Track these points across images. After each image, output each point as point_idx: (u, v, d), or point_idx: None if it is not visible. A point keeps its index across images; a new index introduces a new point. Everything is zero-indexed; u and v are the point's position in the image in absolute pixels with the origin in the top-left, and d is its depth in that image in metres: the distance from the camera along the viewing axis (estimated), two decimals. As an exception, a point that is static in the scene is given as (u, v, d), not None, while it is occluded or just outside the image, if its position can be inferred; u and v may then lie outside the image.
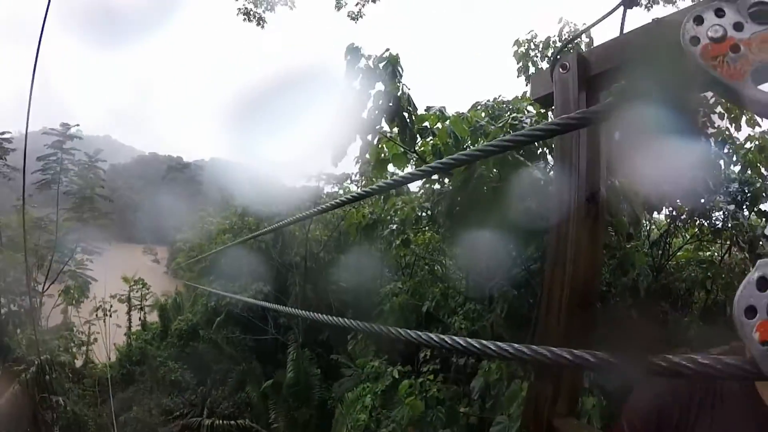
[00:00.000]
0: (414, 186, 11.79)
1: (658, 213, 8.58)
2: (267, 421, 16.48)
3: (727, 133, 7.75)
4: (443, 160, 1.66)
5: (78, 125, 18.06)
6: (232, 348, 19.57)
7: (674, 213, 8.41)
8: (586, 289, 2.71)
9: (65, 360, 16.44)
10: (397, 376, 10.93)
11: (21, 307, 16.78)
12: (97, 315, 22.15)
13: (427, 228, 12.06)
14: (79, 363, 18.99)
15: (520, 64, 9.92)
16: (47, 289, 17.56)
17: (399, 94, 8.13)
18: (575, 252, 2.73)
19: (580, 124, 1.28)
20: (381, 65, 7.94)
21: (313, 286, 18.65)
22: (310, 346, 17.95)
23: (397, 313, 12.32)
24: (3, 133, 17.19)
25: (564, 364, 1.05)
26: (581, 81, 2.72)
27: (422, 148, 9.02)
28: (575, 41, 8.19)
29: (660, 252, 8.84)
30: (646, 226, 8.92)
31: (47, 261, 17.28)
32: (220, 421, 16.30)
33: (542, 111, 8.41)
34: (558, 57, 2.87)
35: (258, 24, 12.29)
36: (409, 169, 9.76)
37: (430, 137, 8.64)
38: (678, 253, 9.07)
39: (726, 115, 7.75)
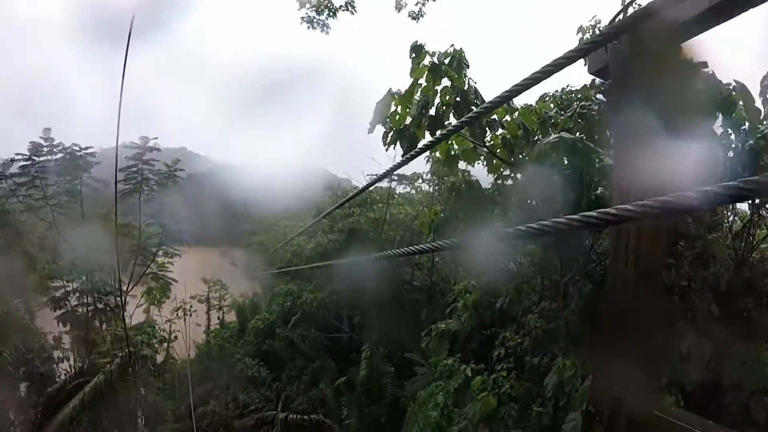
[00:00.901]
0: (486, 182, 11.64)
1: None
2: (339, 417, 16.72)
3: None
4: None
5: (156, 138, 19.28)
6: (307, 346, 20.01)
7: (757, 202, 7.76)
8: (651, 259, 2.63)
9: (148, 354, 17.35)
10: (470, 374, 10.82)
11: (107, 305, 18.02)
12: (177, 314, 23.37)
13: (501, 223, 11.87)
14: (160, 358, 19.92)
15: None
16: (131, 289, 18.70)
17: (466, 88, 8.11)
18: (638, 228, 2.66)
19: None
20: (446, 61, 7.95)
21: (387, 285, 18.79)
22: (383, 345, 18.07)
23: (470, 309, 12.21)
24: (87, 148, 18.57)
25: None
26: (634, 50, 2.65)
27: (492, 142, 8.93)
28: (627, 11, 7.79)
29: (743, 244, 8.17)
30: (728, 216, 8.30)
31: (131, 264, 18.47)
32: (294, 416, 16.67)
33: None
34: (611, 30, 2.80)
35: (322, 30, 12.52)
36: (480, 164, 9.71)
37: (500, 130, 8.54)
38: (762, 245, 8.34)
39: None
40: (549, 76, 2.92)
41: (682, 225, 6.79)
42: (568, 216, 1.43)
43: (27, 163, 18.04)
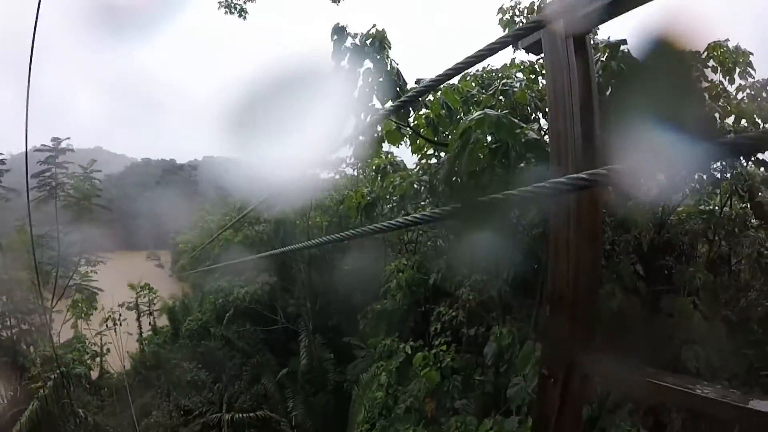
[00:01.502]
0: (411, 162, 11.77)
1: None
2: (285, 409, 16.61)
3: (720, 87, 7.71)
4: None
5: (69, 138, 18.06)
6: (243, 342, 19.69)
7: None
8: (592, 224, 2.77)
9: (81, 372, 16.49)
10: (410, 352, 11.04)
11: (31, 326, 16.85)
12: (107, 325, 22.10)
13: (427, 201, 12.08)
14: (95, 374, 19.12)
15: (507, 31, 9.83)
16: (56, 305, 17.57)
17: (388, 69, 8.11)
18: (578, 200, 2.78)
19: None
20: (368, 42, 7.90)
21: (318, 272, 18.71)
22: (320, 332, 18.05)
23: (404, 288, 12.38)
24: None
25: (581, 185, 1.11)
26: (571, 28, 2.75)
27: (416, 122, 9.01)
28: None
29: (661, 208, 8.81)
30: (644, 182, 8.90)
31: (52, 277, 17.27)
32: (240, 415, 16.41)
33: (532, 77, 8.41)
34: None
35: (240, 15, 12.11)
36: (404, 145, 9.76)
37: (423, 110, 8.63)
38: (678, 208, 9.03)
39: (719, 68, 7.72)
40: (483, 60, 2.98)
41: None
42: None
43: None
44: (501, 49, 2.84)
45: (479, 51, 2.83)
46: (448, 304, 10.79)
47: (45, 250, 16.85)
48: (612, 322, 6.11)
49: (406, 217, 1.98)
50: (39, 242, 16.12)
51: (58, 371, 13.73)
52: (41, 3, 4.61)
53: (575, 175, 1.34)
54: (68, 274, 18.41)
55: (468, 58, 2.97)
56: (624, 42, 6.51)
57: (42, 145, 17.20)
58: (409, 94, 5.06)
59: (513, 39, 2.05)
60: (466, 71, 9.23)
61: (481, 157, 6.57)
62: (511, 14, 9.64)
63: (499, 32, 9.83)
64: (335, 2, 11.85)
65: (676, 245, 8.48)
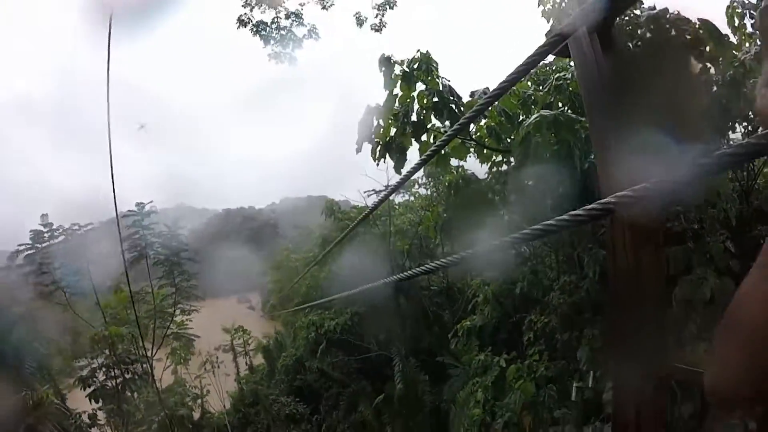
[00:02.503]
0: (482, 172, 11.69)
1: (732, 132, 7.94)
2: (384, 435, 16.68)
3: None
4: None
5: (152, 201, 19.41)
6: (338, 372, 19.95)
7: (750, 128, 7.68)
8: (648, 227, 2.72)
9: (184, 414, 17.35)
10: (504, 365, 10.81)
11: (134, 374, 18.04)
12: (205, 368, 23.07)
13: (503, 212, 11.96)
14: (196, 415, 19.97)
15: (551, 21, 9.52)
16: (155, 353, 18.73)
17: (440, 88, 8.26)
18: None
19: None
20: (415, 66, 8.10)
21: (404, 295, 18.79)
22: (413, 355, 18.03)
23: (491, 301, 12.23)
24: (87, 225, 18.81)
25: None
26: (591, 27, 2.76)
27: (478, 133, 9.04)
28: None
29: (744, 174, 8.03)
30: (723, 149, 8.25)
31: (150, 329, 18.49)
32: (339, 444, 16.65)
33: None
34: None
35: (290, 63, 12.67)
36: (472, 157, 9.79)
37: (482, 120, 8.65)
38: (765, 170, 8.23)
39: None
40: (523, 75, 3.03)
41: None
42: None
43: (31, 251, 18.24)
44: (533, 67, 2.90)
45: (518, 67, 2.91)
46: (539, 311, 10.53)
47: (141, 305, 18.10)
48: (706, 310, 5.74)
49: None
50: (135, 298, 17.41)
51: (162, 414, 14.55)
52: (110, 68, 5.06)
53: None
54: (165, 324, 19.60)
55: (511, 74, 3.05)
56: (666, 10, 6.24)
57: (128, 210, 18.56)
58: (461, 121, 5.12)
59: (540, 56, 2.11)
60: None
61: (548, 156, 6.50)
62: (551, 3, 9.32)
63: (542, 24, 9.52)
64: (377, 31, 12.15)
65: (767, 212, 7.71)
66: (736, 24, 7.37)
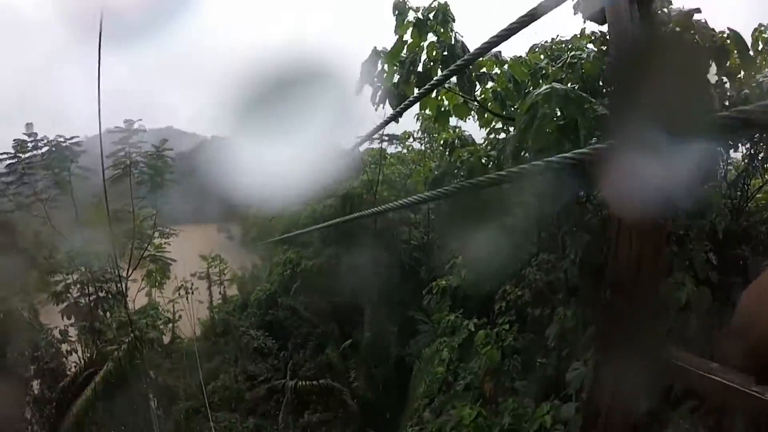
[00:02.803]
0: (479, 137, 11.52)
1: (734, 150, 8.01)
2: (347, 380, 17.01)
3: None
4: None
5: (141, 120, 18.80)
6: (310, 312, 20.19)
7: (752, 152, 7.74)
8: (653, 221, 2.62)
9: (154, 337, 17.40)
10: (473, 329, 10.93)
11: (108, 293, 17.96)
12: (179, 294, 23.12)
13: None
14: (166, 339, 20.16)
15: None
16: (131, 274, 18.63)
17: (452, 42, 7.92)
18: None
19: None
20: (431, 15, 7.74)
21: (384, 246, 18.83)
22: (385, 306, 18.25)
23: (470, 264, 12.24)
24: (72, 137, 18.20)
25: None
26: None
27: (482, 96, 8.78)
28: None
29: (738, 193, 8.18)
30: (722, 165, 8.23)
31: (128, 249, 18.29)
32: (303, 383, 16.97)
33: (603, 48, 7.92)
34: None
35: None
36: (471, 119, 9.55)
37: (489, 83, 8.39)
38: (757, 195, 8.35)
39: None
40: (534, 20, 2.81)
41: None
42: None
43: (13, 161, 17.70)
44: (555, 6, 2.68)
45: (531, 9, 2.70)
46: (514, 283, 10.58)
47: (121, 224, 17.85)
48: (680, 312, 5.76)
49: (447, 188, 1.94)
50: (115, 216, 17.11)
51: (132, 335, 14.62)
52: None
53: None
54: (143, 246, 19.43)
55: (521, 17, 2.83)
56: (698, 11, 5.99)
57: (115, 126, 17.99)
58: (465, 58, 4.88)
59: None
60: (535, 44, 8.86)
61: (549, 132, 6.31)
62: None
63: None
64: None
65: (754, 235, 7.87)
66: (760, 48, 7.21)
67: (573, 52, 7.26)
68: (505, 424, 8.05)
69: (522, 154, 7.46)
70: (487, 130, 9.84)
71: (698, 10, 5.86)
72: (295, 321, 20.33)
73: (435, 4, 7.65)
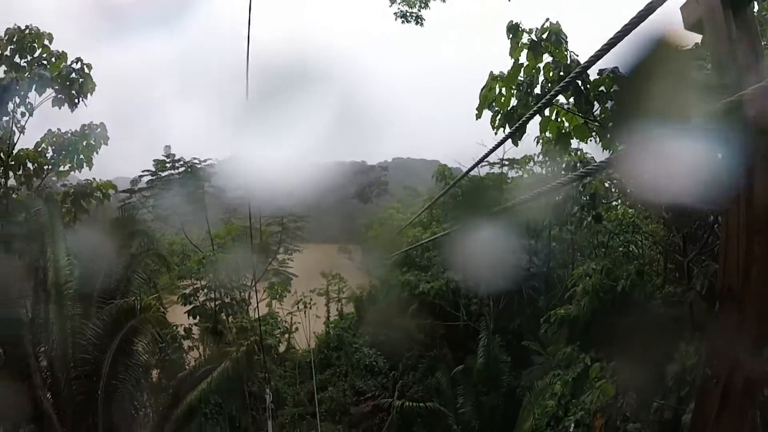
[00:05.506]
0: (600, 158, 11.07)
1: None
2: (455, 406, 16.67)
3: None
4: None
5: (272, 150, 20.40)
6: (423, 335, 20.19)
7: None
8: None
9: (271, 343, 18.58)
10: (589, 363, 10.36)
11: (233, 300, 19.36)
12: (298, 307, 24.48)
13: (618, 202, 11.17)
14: (282, 348, 21.40)
15: None
16: (255, 285, 20.04)
17: (568, 62, 7.77)
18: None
19: None
20: (544, 36, 7.66)
21: (503, 272, 18.43)
22: (501, 333, 17.79)
23: (590, 293, 11.64)
24: (206, 160, 20.12)
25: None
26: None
27: (602, 115, 8.47)
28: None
29: None
30: None
31: (254, 261, 19.80)
32: (410, 404, 16.88)
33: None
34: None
35: (417, 23, 12.40)
36: (592, 140, 9.24)
37: (609, 102, 8.08)
38: None
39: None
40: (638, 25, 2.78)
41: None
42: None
43: (153, 178, 20.06)
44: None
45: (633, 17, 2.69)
46: (637, 316, 9.89)
47: (248, 239, 19.41)
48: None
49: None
50: (245, 232, 18.69)
51: (251, 339, 15.63)
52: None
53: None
54: (268, 259, 20.83)
55: (625, 25, 2.82)
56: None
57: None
58: (576, 70, 4.79)
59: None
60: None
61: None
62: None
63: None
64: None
65: None
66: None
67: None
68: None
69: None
70: (611, 151, 9.42)
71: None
72: (408, 343, 20.42)
73: (547, 24, 7.57)
